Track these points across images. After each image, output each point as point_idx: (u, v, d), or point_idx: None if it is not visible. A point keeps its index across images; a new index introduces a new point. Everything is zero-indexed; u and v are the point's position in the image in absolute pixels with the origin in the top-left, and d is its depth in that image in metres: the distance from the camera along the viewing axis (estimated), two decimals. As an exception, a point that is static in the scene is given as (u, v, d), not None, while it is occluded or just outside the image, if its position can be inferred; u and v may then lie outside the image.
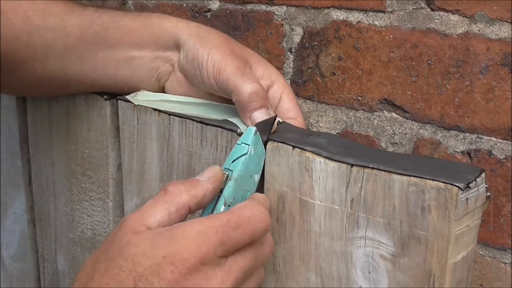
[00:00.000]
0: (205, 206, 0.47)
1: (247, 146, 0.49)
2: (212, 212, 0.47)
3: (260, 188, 0.53)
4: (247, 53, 0.57)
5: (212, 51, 0.54)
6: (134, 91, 0.60)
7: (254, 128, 0.49)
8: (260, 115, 0.52)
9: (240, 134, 0.52)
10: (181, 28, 0.57)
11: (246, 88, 0.52)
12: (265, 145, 0.51)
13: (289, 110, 0.57)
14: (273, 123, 0.52)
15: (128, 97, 0.59)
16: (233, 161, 0.49)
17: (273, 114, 0.53)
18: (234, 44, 0.57)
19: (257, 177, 0.50)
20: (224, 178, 0.48)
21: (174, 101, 0.58)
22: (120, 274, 0.42)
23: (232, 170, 0.48)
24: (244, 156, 0.48)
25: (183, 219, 0.46)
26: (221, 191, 0.48)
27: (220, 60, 0.54)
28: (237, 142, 0.49)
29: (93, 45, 0.57)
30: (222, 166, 0.49)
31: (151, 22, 0.58)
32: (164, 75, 0.59)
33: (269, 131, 0.51)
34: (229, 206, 0.48)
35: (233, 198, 0.48)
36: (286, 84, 0.58)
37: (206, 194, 0.46)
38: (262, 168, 0.51)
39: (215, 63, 0.54)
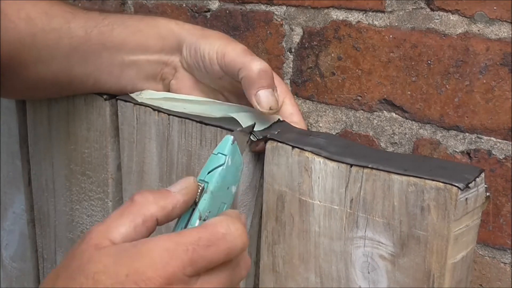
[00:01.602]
0: (175, 219, 0.44)
1: (223, 156, 0.45)
2: (186, 227, 0.44)
3: (260, 188, 0.53)
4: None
5: (213, 41, 0.55)
6: (137, 91, 0.60)
7: (232, 137, 0.46)
8: (266, 94, 0.52)
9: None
10: (187, 29, 0.58)
11: (256, 64, 0.52)
12: (265, 143, 0.51)
13: (293, 114, 0.57)
14: (251, 132, 0.50)
15: (132, 95, 0.59)
16: (208, 172, 0.45)
17: (278, 97, 0.52)
18: (236, 41, 0.58)
19: (234, 189, 0.47)
20: (199, 191, 0.44)
21: (177, 99, 0.59)
22: None
23: (207, 182, 0.45)
24: (221, 167, 0.45)
25: (151, 231, 0.42)
26: (196, 204, 0.44)
27: (224, 46, 0.54)
28: (213, 152, 0.46)
29: (97, 45, 0.58)
30: (196, 177, 0.45)
31: (157, 23, 0.59)
32: (168, 76, 0.60)
33: (247, 140, 0.49)
34: (204, 220, 0.44)
35: (209, 212, 0.44)
36: (288, 90, 0.58)
37: (176, 206, 0.43)
38: (239, 179, 0.48)
39: (218, 49, 0.54)
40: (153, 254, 0.39)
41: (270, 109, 0.51)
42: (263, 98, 0.51)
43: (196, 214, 0.44)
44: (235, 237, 0.42)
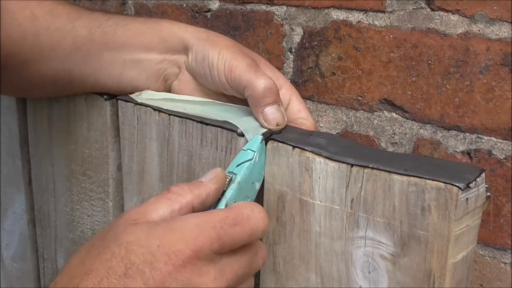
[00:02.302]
0: (208, 206, 0.47)
1: (252, 152, 0.49)
2: None
3: (261, 189, 0.53)
4: (255, 56, 0.59)
5: (222, 51, 0.55)
6: (138, 91, 0.60)
7: (261, 136, 0.50)
8: (272, 110, 0.53)
9: (240, 134, 0.52)
10: (190, 32, 0.58)
11: (260, 82, 0.53)
12: (265, 144, 0.51)
13: (300, 111, 0.58)
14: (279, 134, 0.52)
15: (132, 95, 0.59)
16: (237, 165, 0.49)
17: (284, 112, 0.54)
18: (243, 47, 0.59)
19: (258, 185, 0.51)
20: (227, 181, 0.48)
21: (177, 100, 0.59)
22: (111, 260, 0.41)
23: (236, 174, 0.49)
24: (249, 162, 0.49)
25: None
26: (223, 194, 0.48)
27: (231, 59, 0.55)
28: (243, 148, 0.50)
29: (100, 45, 0.58)
30: (226, 170, 0.49)
31: (160, 26, 0.59)
32: (171, 76, 0.60)
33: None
34: None
35: (234, 201, 0.48)
36: (293, 88, 0.59)
37: (210, 194, 0.46)
38: (263, 177, 0.51)
39: (226, 62, 0.55)
40: (184, 229, 0.42)
41: (277, 125, 0.53)
42: (269, 115, 0.53)
43: (222, 201, 0.48)
44: (258, 219, 0.45)
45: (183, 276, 0.41)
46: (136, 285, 0.40)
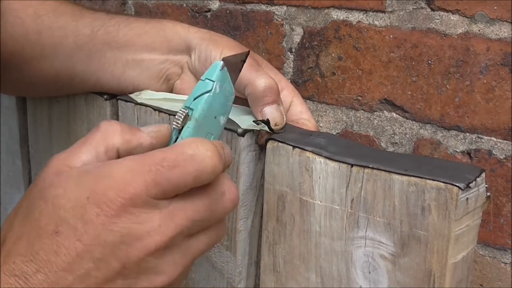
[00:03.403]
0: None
1: (211, 82, 0.42)
2: None
3: (261, 188, 0.53)
4: (257, 57, 0.59)
5: (225, 51, 0.55)
6: (138, 91, 0.60)
7: (221, 62, 0.43)
8: (271, 110, 0.53)
9: (240, 134, 0.52)
10: (193, 32, 0.58)
11: (261, 81, 0.53)
12: (265, 144, 0.51)
13: (302, 112, 0.57)
14: (244, 60, 0.46)
15: (131, 95, 0.59)
16: (194, 99, 0.42)
17: (284, 113, 0.54)
18: (245, 48, 0.58)
19: (222, 119, 0.44)
20: (182, 117, 0.42)
21: (177, 100, 0.59)
22: (40, 219, 0.37)
23: (192, 109, 0.42)
24: (208, 94, 0.42)
25: None
26: (180, 132, 0.42)
27: None
28: (201, 78, 0.43)
29: (102, 44, 0.58)
30: (183, 106, 0.43)
31: (163, 26, 0.59)
32: (173, 77, 0.60)
33: (240, 68, 0.46)
34: None
35: None
36: (295, 90, 0.59)
37: (141, 145, 0.41)
38: (229, 110, 0.44)
39: None
40: (115, 175, 0.38)
41: (276, 125, 0.53)
42: (268, 114, 0.52)
43: (178, 141, 0.41)
44: (203, 158, 0.39)
45: (120, 226, 0.37)
46: (70, 242, 0.37)
